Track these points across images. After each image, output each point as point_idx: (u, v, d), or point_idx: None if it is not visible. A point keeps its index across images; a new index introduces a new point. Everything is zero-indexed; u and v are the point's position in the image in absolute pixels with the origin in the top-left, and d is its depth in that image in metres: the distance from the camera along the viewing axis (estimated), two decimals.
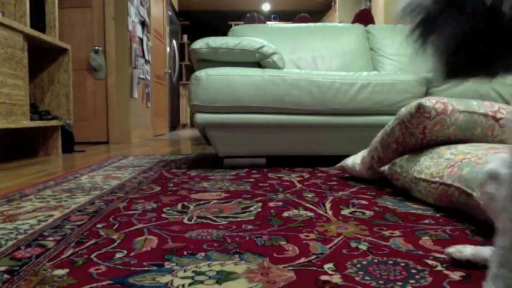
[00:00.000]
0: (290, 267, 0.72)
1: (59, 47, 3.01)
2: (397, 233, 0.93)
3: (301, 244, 0.85)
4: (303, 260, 0.76)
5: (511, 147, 0.56)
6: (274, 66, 2.21)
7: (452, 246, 0.74)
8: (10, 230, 0.98)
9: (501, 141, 1.36)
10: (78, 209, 1.20)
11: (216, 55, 2.19)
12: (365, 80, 2.14)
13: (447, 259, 0.75)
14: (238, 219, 1.07)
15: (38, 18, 2.87)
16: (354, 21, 4.06)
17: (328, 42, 2.81)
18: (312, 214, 1.12)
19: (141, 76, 4.77)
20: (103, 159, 2.60)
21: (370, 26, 3.01)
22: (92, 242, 0.88)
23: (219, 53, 2.18)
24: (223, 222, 1.03)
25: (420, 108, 1.28)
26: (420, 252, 0.80)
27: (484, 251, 0.71)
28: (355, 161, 1.66)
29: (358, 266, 0.73)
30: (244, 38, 2.25)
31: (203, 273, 0.70)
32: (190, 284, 0.65)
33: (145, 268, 0.72)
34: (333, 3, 8.29)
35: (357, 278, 0.67)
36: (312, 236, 0.91)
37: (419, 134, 1.33)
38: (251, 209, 1.19)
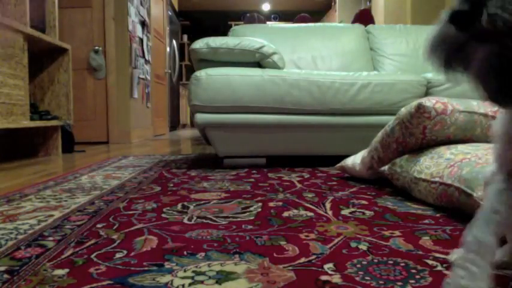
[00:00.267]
0: (290, 267, 0.72)
1: (59, 47, 3.01)
2: (397, 233, 0.93)
3: (301, 244, 0.85)
4: (303, 260, 0.76)
5: (494, 152, 0.57)
6: (274, 66, 2.21)
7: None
8: (10, 230, 0.98)
9: None
10: (78, 209, 1.20)
11: (216, 55, 2.19)
12: (365, 80, 2.14)
13: (447, 259, 0.75)
14: (238, 219, 1.07)
15: (38, 18, 2.87)
16: (354, 21, 4.06)
17: (328, 42, 2.81)
18: (312, 214, 1.12)
19: (141, 76, 4.77)
20: (103, 159, 2.60)
21: (370, 26, 3.01)
22: (92, 242, 0.88)
23: (219, 53, 2.18)
24: (223, 222, 1.03)
25: (420, 108, 1.28)
26: (420, 252, 0.80)
27: None
28: (355, 161, 1.66)
29: (358, 266, 0.73)
30: (244, 38, 2.25)
31: (203, 273, 0.70)
32: (190, 284, 0.65)
33: (145, 268, 0.72)
34: (333, 3, 8.29)
35: (357, 278, 0.67)
36: (312, 236, 0.91)
37: (419, 134, 1.33)
38: (251, 209, 1.19)
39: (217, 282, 0.66)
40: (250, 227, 0.99)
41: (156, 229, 0.98)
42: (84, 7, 4.11)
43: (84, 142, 4.07)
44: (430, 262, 0.74)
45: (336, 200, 1.31)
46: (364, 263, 0.74)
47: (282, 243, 0.86)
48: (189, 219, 1.07)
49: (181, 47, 9.14)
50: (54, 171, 2.10)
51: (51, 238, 0.91)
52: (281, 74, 2.10)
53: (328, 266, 0.73)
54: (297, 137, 2.16)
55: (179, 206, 1.23)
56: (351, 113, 2.15)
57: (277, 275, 0.69)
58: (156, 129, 5.63)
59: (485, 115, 1.32)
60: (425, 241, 0.87)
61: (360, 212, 1.14)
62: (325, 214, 1.12)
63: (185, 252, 0.80)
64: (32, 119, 2.65)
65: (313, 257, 0.78)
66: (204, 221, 1.05)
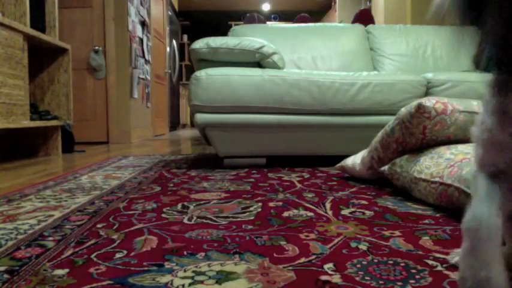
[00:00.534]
0: (290, 267, 0.72)
1: (59, 47, 3.01)
2: (397, 233, 0.93)
3: (301, 244, 0.85)
4: (303, 260, 0.76)
5: (473, 155, 0.57)
6: (274, 66, 2.21)
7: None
8: (10, 230, 0.98)
9: None
10: (78, 209, 1.20)
11: (216, 55, 2.19)
12: (365, 80, 2.14)
13: (447, 259, 0.75)
14: (238, 219, 1.07)
15: (38, 18, 2.87)
16: (354, 21, 4.06)
17: (328, 42, 2.81)
18: (312, 214, 1.12)
19: (141, 76, 4.77)
20: (103, 159, 2.60)
21: (370, 26, 3.01)
22: (92, 242, 0.88)
23: (219, 53, 2.18)
24: (223, 222, 1.03)
25: (420, 108, 1.28)
26: (420, 252, 0.80)
27: None
28: (355, 161, 1.66)
29: (358, 266, 0.73)
30: (244, 38, 2.25)
31: (203, 273, 0.70)
32: (190, 284, 0.65)
33: (145, 268, 0.72)
34: (333, 3, 8.29)
35: (357, 278, 0.67)
36: (312, 236, 0.91)
37: (419, 134, 1.33)
38: (251, 209, 1.19)
39: (217, 282, 0.66)
40: (250, 227, 0.99)
41: (156, 229, 0.98)
42: (84, 7, 4.11)
43: (84, 142, 4.07)
44: (430, 262, 0.74)
45: (336, 200, 1.31)
46: (364, 263, 0.74)
47: (282, 243, 0.86)
48: (189, 219, 1.07)
49: (181, 47, 9.14)
50: (54, 171, 2.10)
51: (51, 238, 0.91)
52: (281, 74, 2.10)
53: (328, 266, 0.73)
54: (297, 137, 2.16)
55: (179, 206, 1.23)
56: (351, 113, 2.15)
57: (277, 275, 0.69)
58: (156, 129, 5.63)
59: None
60: (425, 241, 0.87)
61: (360, 212, 1.14)
62: (325, 214, 1.12)
63: (185, 252, 0.80)
64: (32, 119, 2.65)
65: (313, 257, 0.78)
66: (204, 221, 1.05)
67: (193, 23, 10.10)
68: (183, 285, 0.65)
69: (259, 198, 1.33)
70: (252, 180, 1.73)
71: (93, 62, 4.09)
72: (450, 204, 1.11)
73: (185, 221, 1.05)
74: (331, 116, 2.14)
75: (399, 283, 0.65)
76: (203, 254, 0.80)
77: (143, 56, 4.88)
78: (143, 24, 4.92)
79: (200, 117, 2.07)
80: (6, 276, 0.70)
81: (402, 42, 2.84)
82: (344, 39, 2.84)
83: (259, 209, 1.18)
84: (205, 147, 3.56)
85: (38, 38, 2.66)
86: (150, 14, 5.33)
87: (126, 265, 0.74)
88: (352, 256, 0.78)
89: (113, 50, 4.16)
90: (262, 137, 2.14)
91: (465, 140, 1.36)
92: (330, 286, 0.64)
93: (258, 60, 2.22)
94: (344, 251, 0.81)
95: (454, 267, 0.71)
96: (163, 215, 1.11)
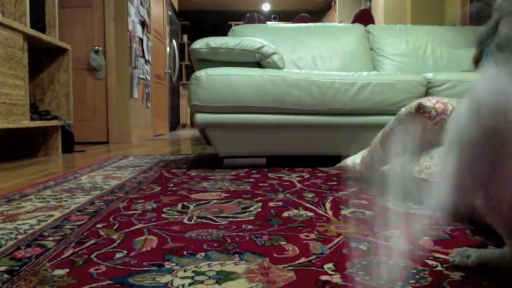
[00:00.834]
0: (290, 267, 0.72)
1: (59, 47, 3.01)
2: (397, 233, 0.93)
3: (301, 244, 0.85)
4: (303, 260, 0.76)
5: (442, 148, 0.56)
6: (274, 66, 2.21)
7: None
8: (10, 230, 0.98)
9: None
10: (78, 209, 1.20)
11: (216, 55, 2.19)
12: (365, 80, 2.14)
13: (447, 259, 0.75)
14: (238, 219, 1.07)
15: (38, 18, 2.87)
16: (354, 21, 4.06)
17: (328, 42, 2.81)
18: (312, 214, 1.12)
19: (141, 76, 4.77)
20: (103, 159, 2.60)
21: (370, 26, 3.01)
22: (92, 242, 0.88)
23: (219, 53, 2.18)
24: (223, 222, 1.03)
25: (420, 108, 1.28)
26: (420, 252, 0.80)
27: (486, 252, 0.71)
28: (355, 161, 1.66)
29: (358, 266, 0.73)
30: (244, 38, 2.25)
31: (203, 273, 0.70)
32: (190, 284, 0.65)
33: (145, 268, 0.72)
34: (333, 3, 8.29)
35: (357, 278, 0.67)
36: (312, 236, 0.91)
37: (419, 134, 1.33)
38: (251, 209, 1.19)
39: (217, 282, 0.66)
40: (250, 227, 0.99)
41: (156, 229, 0.98)
42: (84, 7, 4.11)
43: (84, 142, 4.07)
44: (430, 262, 0.74)
45: (336, 200, 1.31)
46: (364, 263, 0.74)
47: (282, 243, 0.86)
48: (189, 219, 1.07)
49: (181, 47, 9.14)
50: (54, 171, 2.10)
51: (51, 238, 0.91)
52: (281, 74, 2.10)
53: (328, 266, 0.73)
54: (297, 137, 2.16)
55: (179, 206, 1.23)
56: (351, 113, 2.15)
57: (277, 275, 0.69)
58: (156, 129, 5.63)
59: None
60: (425, 241, 0.87)
61: (360, 212, 1.14)
62: (325, 214, 1.12)
63: (185, 252, 0.80)
64: (32, 119, 2.65)
65: (313, 257, 0.78)
66: (204, 221, 1.05)
67: (193, 23, 10.10)
68: (183, 285, 0.65)
69: (259, 198, 1.33)
70: (252, 180, 1.73)
71: (93, 62, 4.09)
72: None
73: (185, 221, 1.05)
74: (331, 116, 2.14)
75: (399, 283, 0.65)
76: (203, 254, 0.80)
77: (143, 56, 4.88)
78: (143, 24, 4.92)
79: (200, 117, 2.07)
80: (6, 276, 0.70)
81: (402, 42, 2.83)
82: (344, 39, 2.84)
83: (259, 209, 1.18)
84: (205, 147, 3.56)
85: (38, 38, 2.66)
86: (150, 14, 5.33)
87: (126, 265, 0.74)
88: (352, 256, 0.78)
89: (113, 50, 4.16)
90: (262, 137, 2.14)
91: None
92: (330, 286, 0.64)
93: (258, 60, 2.22)
94: (344, 251, 0.81)
95: (454, 267, 0.71)
96: (163, 215, 1.11)
